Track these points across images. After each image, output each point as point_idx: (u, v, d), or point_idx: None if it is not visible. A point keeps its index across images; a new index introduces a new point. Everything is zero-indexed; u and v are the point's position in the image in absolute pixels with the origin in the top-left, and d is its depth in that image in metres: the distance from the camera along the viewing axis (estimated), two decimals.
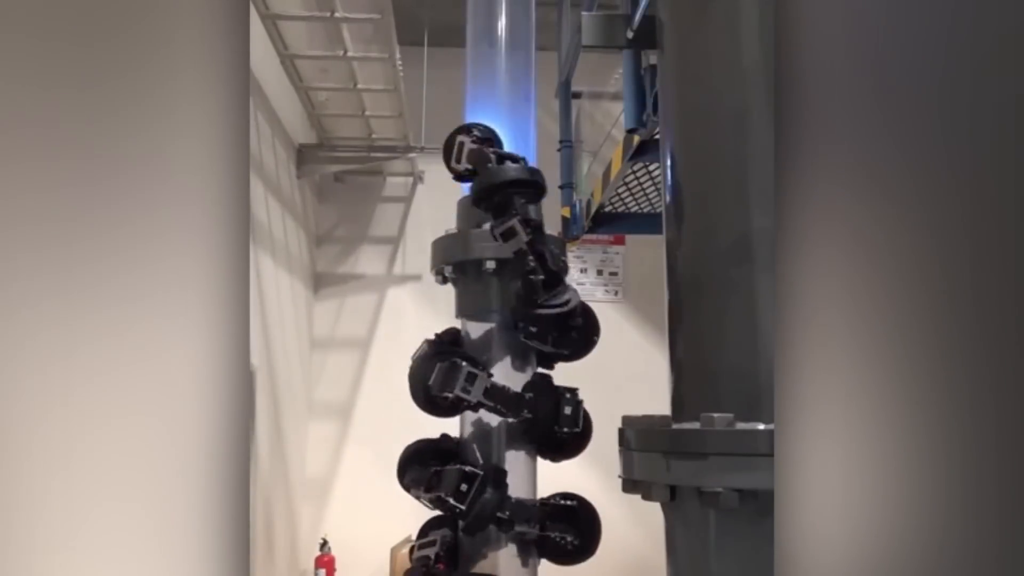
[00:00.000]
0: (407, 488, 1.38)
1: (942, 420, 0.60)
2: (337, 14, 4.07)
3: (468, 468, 1.28)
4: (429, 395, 1.31)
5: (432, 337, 1.41)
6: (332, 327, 6.49)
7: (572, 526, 1.37)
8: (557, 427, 1.28)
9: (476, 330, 1.44)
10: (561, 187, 4.15)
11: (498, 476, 1.28)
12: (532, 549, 1.40)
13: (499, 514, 1.26)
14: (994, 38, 0.61)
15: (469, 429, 1.43)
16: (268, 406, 5.08)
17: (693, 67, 1.15)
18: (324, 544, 5.65)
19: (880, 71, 0.66)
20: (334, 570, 5.61)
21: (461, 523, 1.29)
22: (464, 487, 1.25)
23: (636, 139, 3.01)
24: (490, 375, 1.31)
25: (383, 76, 4.78)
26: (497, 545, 1.37)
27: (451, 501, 1.25)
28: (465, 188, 1.50)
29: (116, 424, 0.62)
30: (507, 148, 1.43)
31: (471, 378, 1.28)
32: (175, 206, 0.65)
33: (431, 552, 1.35)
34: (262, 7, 4.02)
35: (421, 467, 1.36)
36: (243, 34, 0.71)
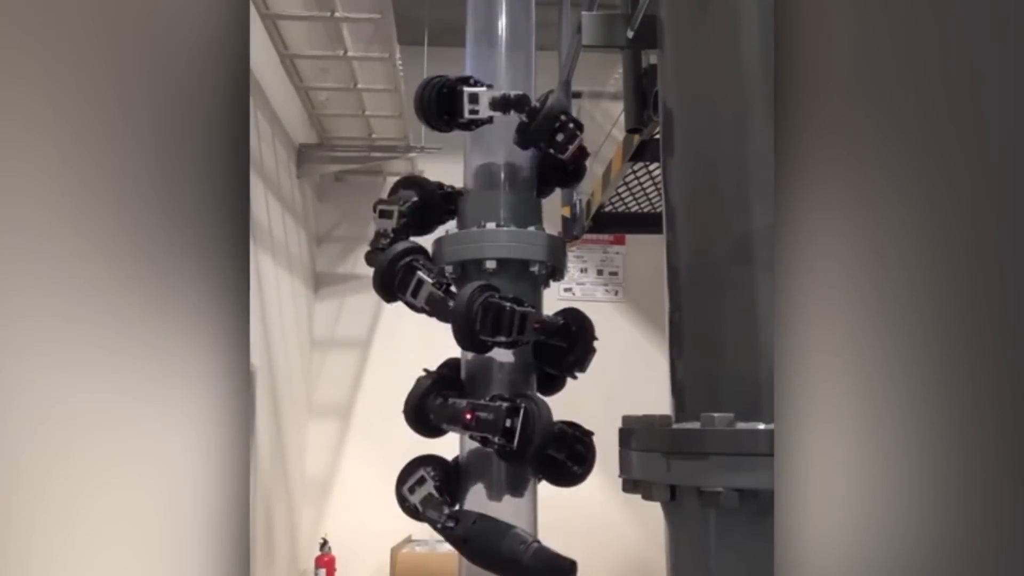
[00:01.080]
0: (428, 425, 1.33)
1: (943, 419, 0.60)
2: (337, 14, 4.07)
3: (510, 402, 1.26)
4: (420, 417, 1.33)
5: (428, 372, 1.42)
6: (332, 327, 6.49)
7: (575, 449, 1.36)
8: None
9: None
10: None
11: (541, 407, 1.27)
12: (532, 472, 1.38)
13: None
14: (994, 36, 0.61)
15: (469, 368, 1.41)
16: (268, 406, 5.08)
17: (693, 67, 1.15)
18: (324, 544, 5.65)
19: (880, 70, 0.66)
20: (334, 570, 5.61)
21: (511, 455, 1.26)
22: (509, 422, 1.23)
23: (636, 139, 3.01)
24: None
25: (383, 76, 4.78)
26: (499, 471, 1.35)
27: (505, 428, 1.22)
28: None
29: (115, 425, 0.62)
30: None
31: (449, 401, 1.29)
32: (174, 206, 0.65)
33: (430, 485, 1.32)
34: (262, 7, 4.02)
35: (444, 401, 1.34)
36: (243, 34, 0.71)
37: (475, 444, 1.34)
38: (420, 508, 1.30)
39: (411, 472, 1.34)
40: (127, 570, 0.61)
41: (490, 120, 1.35)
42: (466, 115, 1.34)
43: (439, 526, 1.26)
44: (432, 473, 1.32)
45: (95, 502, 0.61)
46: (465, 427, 1.26)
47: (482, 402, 1.28)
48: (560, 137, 1.34)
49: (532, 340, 1.28)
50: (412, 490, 1.32)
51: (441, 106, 1.36)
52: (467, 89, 1.33)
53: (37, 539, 0.59)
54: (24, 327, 0.60)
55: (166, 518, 0.63)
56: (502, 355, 1.36)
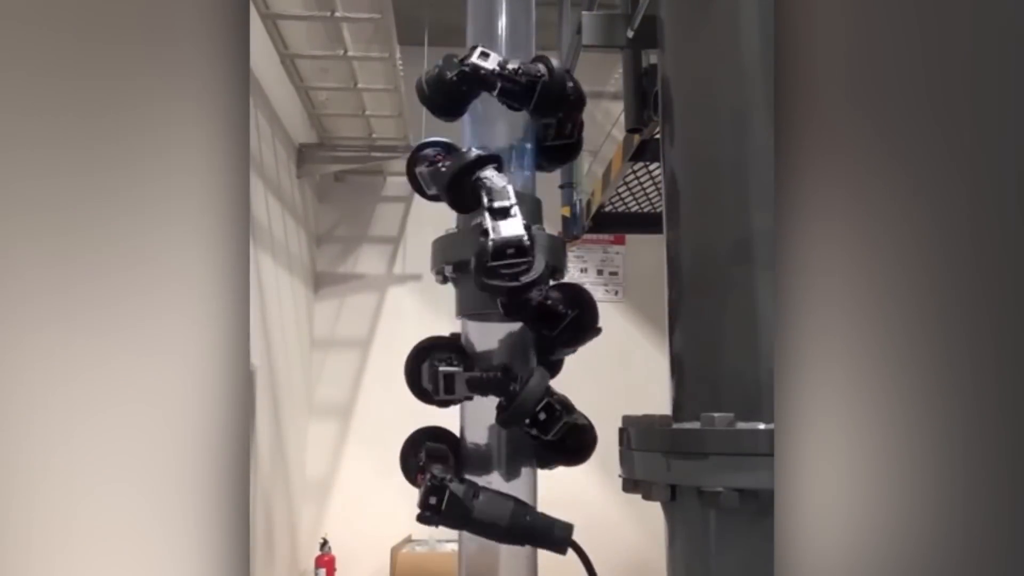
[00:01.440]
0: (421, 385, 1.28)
1: (944, 419, 0.60)
2: (337, 14, 4.07)
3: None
4: (424, 392, 1.28)
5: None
6: (332, 327, 6.49)
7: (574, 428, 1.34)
8: (527, 425, 1.24)
9: (476, 330, 1.44)
10: (561, 187, 4.15)
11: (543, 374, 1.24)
12: (532, 451, 1.37)
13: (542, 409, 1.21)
14: (994, 37, 0.61)
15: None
16: (268, 406, 5.08)
17: (693, 67, 1.15)
18: (324, 544, 5.65)
19: (881, 70, 0.66)
20: (334, 570, 5.62)
21: (504, 414, 1.21)
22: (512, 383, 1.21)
23: (636, 139, 3.01)
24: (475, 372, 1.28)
25: (383, 76, 4.78)
26: (499, 450, 1.34)
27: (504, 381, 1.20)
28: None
29: (115, 425, 0.62)
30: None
31: (449, 379, 1.25)
32: (175, 207, 0.65)
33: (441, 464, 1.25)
34: (262, 7, 4.02)
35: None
36: (243, 34, 0.71)
37: (474, 426, 1.33)
38: (427, 469, 1.24)
39: (432, 439, 1.32)
40: (126, 568, 0.61)
41: (495, 82, 1.30)
42: (474, 58, 1.28)
43: (445, 479, 1.20)
44: (452, 459, 1.29)
45: (94, 501, 0.61)
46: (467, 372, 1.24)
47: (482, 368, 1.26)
48: (571, 84, 1.33)
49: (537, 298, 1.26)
50: (431, 454, 1.28)
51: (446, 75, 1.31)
52: (480, 48, 1.32)
53: (35, 537, 0.59)
54: (23, 322, 0.60)
55: (166, 517, 0.63)
56: (502, 332, 1.35)
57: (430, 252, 1.48)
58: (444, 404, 1.31)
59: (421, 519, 1.23)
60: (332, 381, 6.38)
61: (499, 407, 1.23)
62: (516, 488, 1.35)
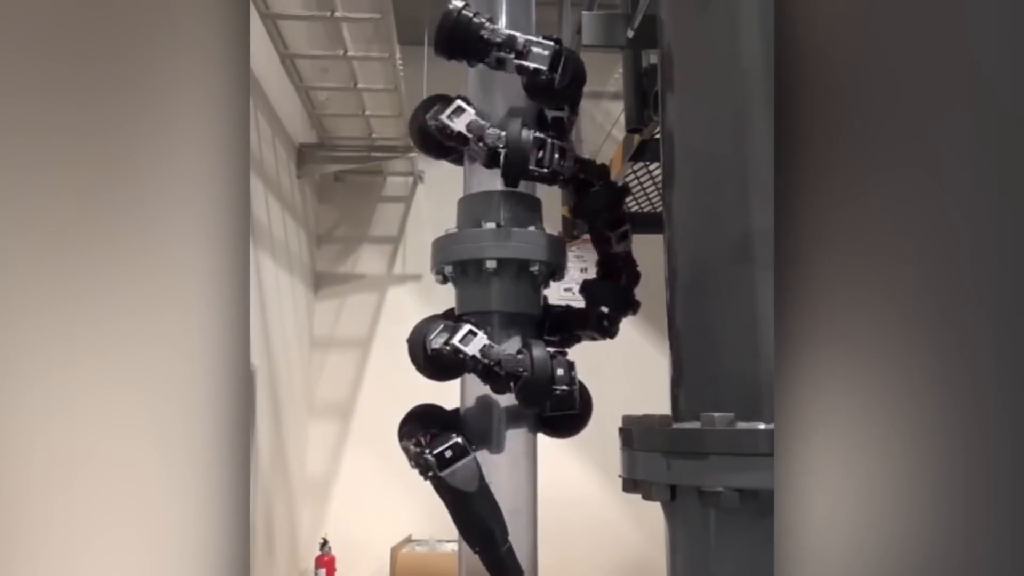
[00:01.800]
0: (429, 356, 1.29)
1: (942, 419, 0.60)
2: (337, 14, 4.07)
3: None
4: (427, 353, 1.28)
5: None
6: (332, 327, 6.49)
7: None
8: (554, 385, 1.24)
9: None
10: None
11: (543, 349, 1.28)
12: (532, 422, 1.37)
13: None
14: (994, 38, 0.61)
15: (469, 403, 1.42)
16: (268, 406, 5.08)
17: (693, 67, 1.15)
18: (324, 544, 5.65)
19: (879, 70, 0.66)
20: (334, 570, 5.61)
21: (521, 391, 1.24)
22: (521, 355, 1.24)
23: (636, 139, 3.01)
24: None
25: (383, 76, 4.78)
26: (499, 424, 1.35)
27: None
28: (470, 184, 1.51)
29: (117, 425, 0.62)
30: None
31: (471, 335, 1.26)
32: (175, 206, 0.65)
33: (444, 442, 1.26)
34: (262, 7, 4.02)
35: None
36: (243, 34, 0.71)
37: (476, 396, 1.35)
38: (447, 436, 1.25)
39: (435, 415, 1.34)
40: (128, 570, 0.61)
41: (522, 44, 1.32)
42: (490, 34, 1.32)
43: (471, 447, 1.21)
44: (473, 447, 1.29)
45: (96, 502, 0.61)
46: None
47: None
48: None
49: (569, 175, 1.33)
50: (448, 427, 1.29)
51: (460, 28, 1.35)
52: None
53: (39, 542, 0.59)
54: (26, 329, 0.60)
55: (167, 518, 0.63)
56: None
57: (430, 252, 1.48)
58: (448, 370, 1.31)
59: (417, 460, 1.23)
60: (332, 381, 6.38)
61: (518, 386, 1.24)
62: (518, 479, 1.37)
